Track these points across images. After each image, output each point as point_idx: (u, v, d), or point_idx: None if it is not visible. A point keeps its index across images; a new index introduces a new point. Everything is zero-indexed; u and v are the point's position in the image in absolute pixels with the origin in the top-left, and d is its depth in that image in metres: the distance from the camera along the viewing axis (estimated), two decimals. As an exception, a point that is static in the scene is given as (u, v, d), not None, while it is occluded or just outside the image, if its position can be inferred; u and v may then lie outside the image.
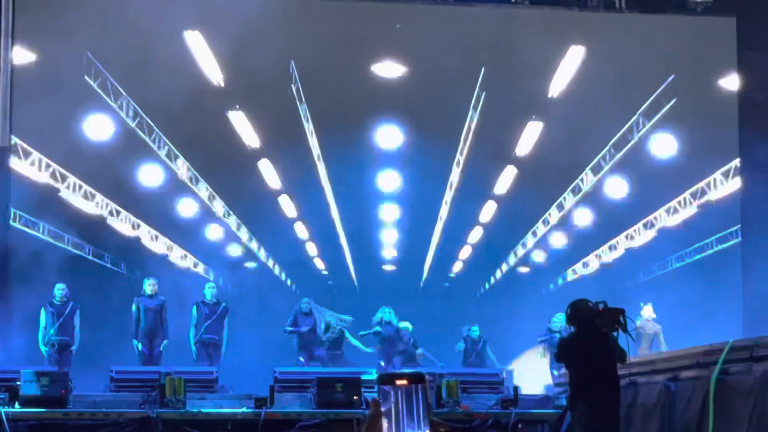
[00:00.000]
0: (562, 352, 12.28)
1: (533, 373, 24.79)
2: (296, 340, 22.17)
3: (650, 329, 22.59)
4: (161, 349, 20.38)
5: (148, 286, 20.59)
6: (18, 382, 15.50)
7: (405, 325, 23.66)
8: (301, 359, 22.05)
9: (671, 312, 23.50)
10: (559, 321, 21.08)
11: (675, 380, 12.86)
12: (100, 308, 23.41)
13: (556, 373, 20.06)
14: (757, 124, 17.56)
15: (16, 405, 15.23)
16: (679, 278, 28.49)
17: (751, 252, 17.39)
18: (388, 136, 23.76)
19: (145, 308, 20.36)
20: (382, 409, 10.78)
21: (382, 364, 22.67)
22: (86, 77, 19.64)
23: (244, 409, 15.68)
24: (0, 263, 19.03)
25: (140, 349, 20.30)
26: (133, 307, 20.45)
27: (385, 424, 10.71)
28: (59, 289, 20.05)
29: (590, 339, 11.79)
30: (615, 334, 11.74)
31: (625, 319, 11.63)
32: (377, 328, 22.75)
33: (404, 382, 10.66)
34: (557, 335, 21.07)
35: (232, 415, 15.61)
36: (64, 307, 19.93)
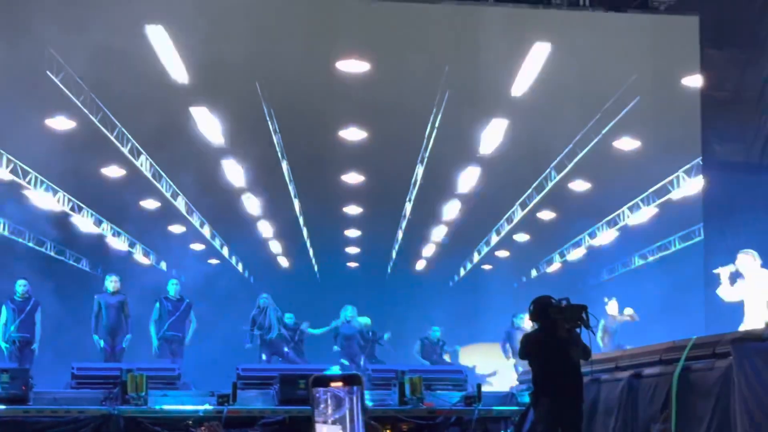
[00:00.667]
0: (526, 349, 12.28)
1: (499, 370, 24.95)
2: (258, 339, 22.14)
3: (620, 320, 22.92)
4: (123, 345, 20.30)
5: (110, 282, 20.50)
6: (-23, 379, 15.41)
7: (364, 320, 23.70)
8: (264, 357, 22.03)
9: (634, 309, 23.62)
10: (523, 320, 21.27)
11: (638, 377, 12.89)
12: (61, 305, 23.26)
13: (521, 369, 20.17)
14: (719, 123, 17.62)
15: (-24, 402, 15.15)
16: (642, 276, 28.61)
17: (713, 249, 17.44)
18: (352, 133, 23.73)
19: (107, 305, 20.27)
20: (316, 412, 10.57)
21: (346, 363, 22.68)
22: (48, 72, 19.47)
23: (206, 406, 15.64)
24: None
25: (102, 345, 20.19)
26: (95, 304, 20.34)
27: (318, 428, 10.50)
28: (20, 286, 19.94)
29: (553, 335, 11.79)
30: (578, 330, 11.76)
31: (588, 316, 11.65)
32: (335, 323, 22.88)
33: (339, 384, 10.48)
34: (517, 331, 21.28)
35: (194, 411, 15.55)
36: (26, 304, 19.82)
